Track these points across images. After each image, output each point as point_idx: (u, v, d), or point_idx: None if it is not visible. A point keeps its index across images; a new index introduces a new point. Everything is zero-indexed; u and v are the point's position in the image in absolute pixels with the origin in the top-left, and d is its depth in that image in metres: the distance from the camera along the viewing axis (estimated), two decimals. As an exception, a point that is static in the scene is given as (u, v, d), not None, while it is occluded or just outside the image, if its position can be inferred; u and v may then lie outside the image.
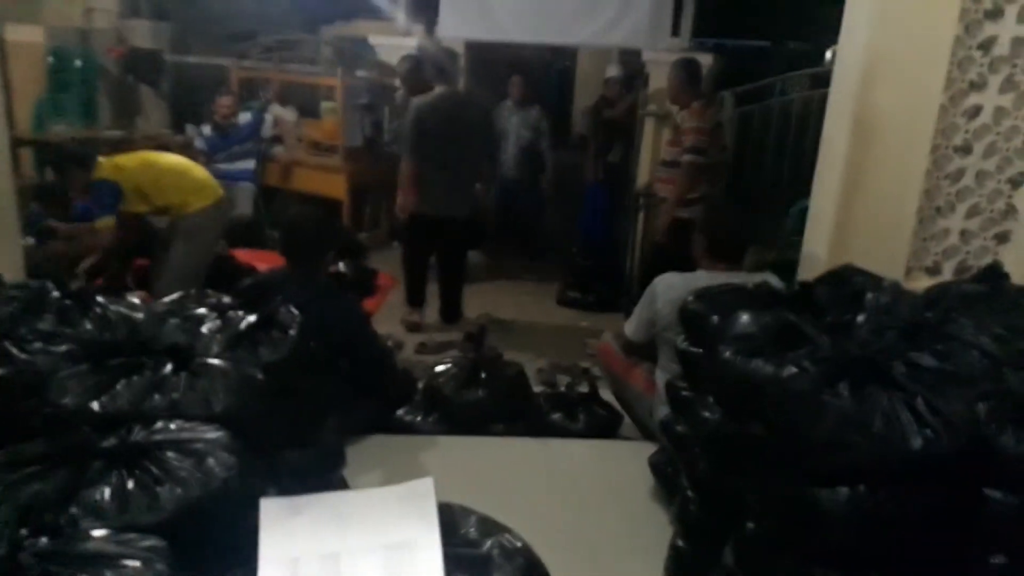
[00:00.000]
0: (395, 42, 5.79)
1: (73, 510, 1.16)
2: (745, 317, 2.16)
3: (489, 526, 1.20)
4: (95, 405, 1.46)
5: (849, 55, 2.53)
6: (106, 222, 3.67)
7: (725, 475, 1.97)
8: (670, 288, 2.73)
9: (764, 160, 5.02)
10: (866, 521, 1.58)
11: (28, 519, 1.09)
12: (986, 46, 2.45)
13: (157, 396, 1.49)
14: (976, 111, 2.51)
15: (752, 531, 1.73)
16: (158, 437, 1.33)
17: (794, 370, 1.68)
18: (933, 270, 2.65)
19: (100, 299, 1.93)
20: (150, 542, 1.08)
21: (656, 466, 2.56)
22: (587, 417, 3.03)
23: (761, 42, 8.02)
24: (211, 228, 3.98)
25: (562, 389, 3.22)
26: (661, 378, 2.76)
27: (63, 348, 1.70)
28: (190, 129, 6.12)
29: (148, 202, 3.81)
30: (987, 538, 1.66)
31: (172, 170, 3.93)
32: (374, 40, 5.95)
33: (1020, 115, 2.49)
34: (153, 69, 6.51)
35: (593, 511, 2.48)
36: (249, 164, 5.65)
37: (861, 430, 1.56)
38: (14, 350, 1.63)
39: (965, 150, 2.54)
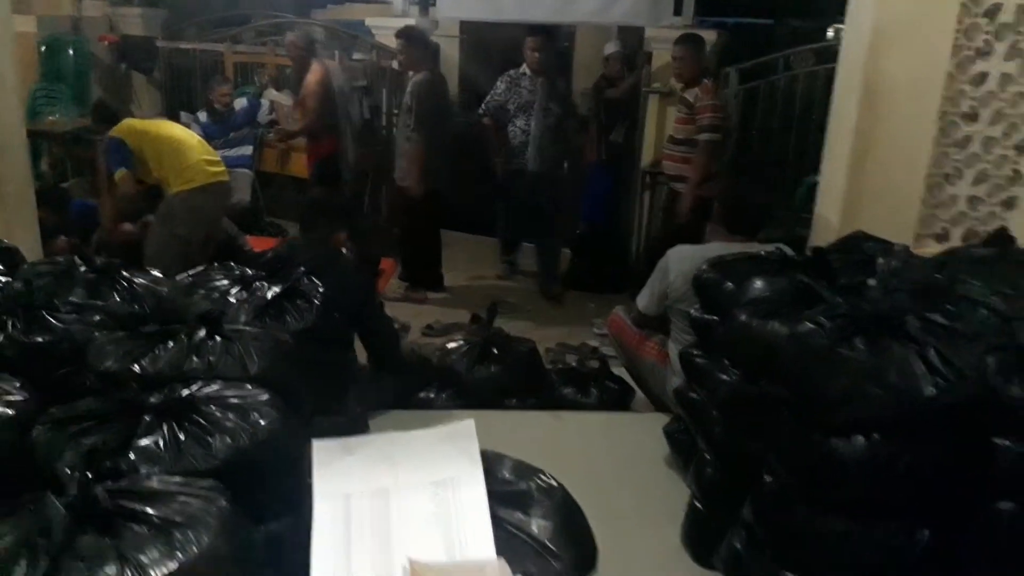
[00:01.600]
0: (392, 23, 5.85)
1: (131, 457, 1.25)
2: (760, 282, 2.27)
3: (523, 468, 1.30)
4: (136, 368, 1.55)
5: (857, 24, 2.62)
6: (121, 174, 3.85)
7: (742, 436, 2.07)
8: (682, 260, 2.82)
9: (770, 136, 5.11)
10: (881, 469, 1.68)
11: (91, 465, 1.18)
12: (991, 13, 2.54)
13: (195, 359, 1.58)
14: (982, 78, 2.61)
15: (770, 485, 1.82)
16: (201, 395, 1.42)
17: (810, 326, 1.78)
18: (942, 236, 2.75)
19: (125, 273, 2.02)
20: (208, 483, 1.18)
21: (671, 434, 2.66)
22: (599, 391, 3.13)
23: (764, 20, 8.10)
24: (186, 214, 3.90)
25: (573, 364, 3.32)
26: (674, 349, 2.86)
27: (96, 318, 1.79)
28: (184, 116, 6.19)
29: (147, 170, 3.93)
30: (996, 485, 1.76)
31: (170, 143, 3.98)
32: (371, 22, 6.02)
33: (1026, 81, 2.59)
34: (146, 56, 6.58)
35: (608, 479, 2.57)
36: (246, 150, 5.73)
37: (876, 381, 1.66)
38: (51, 320, 1.72)
39: (972, 117, 2.63)
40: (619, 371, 3.31)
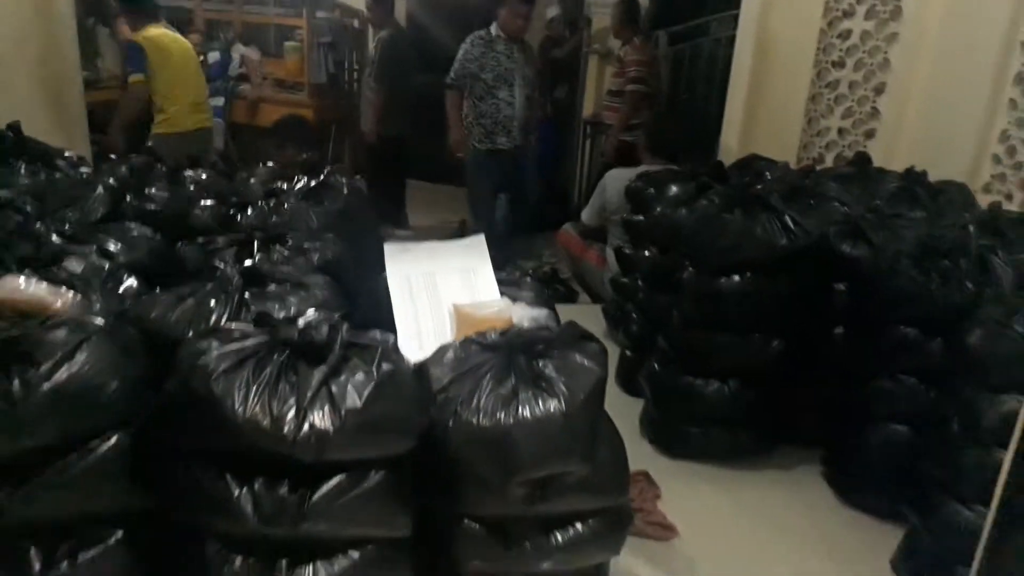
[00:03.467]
0: (354, -16, 6.44)
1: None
2: (674, 187, 3.04)
3: (513, 270, 2.03)
4: (237, 220, 2.23)
5: (752, -10, 3.40)
6: (136, 78, 4.06)
7: (658, 294, 2.85)
8: (617, 180, 3.58)
9: (694, 95, 5.88)
10: (751, 298, 2.47)
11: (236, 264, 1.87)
12: (854, -18, 3.36)
13: (275, 217, 2.26)
14: (848, 34, 3.42)
15: (677, 318, 2.60)
16: (287, 233, 2.10)
17: (704, 202, 2.56)
18: (818, 160, 3.57)
19: (190, 171, 2.67)
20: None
21: (607, 312, 3.45)
22: (550, 291, 3.88)
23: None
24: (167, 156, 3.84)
25: (529, 272, 4.06)
26: (610, 253, 3.63)
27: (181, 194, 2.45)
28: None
29: (151, 87, 4.11)
30: (832, 315, 2.57)
31: (179, 75, 4.17)
32: (334, -18, 6.58)
33: (881, 37, 3.41)
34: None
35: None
36: (218, 101, 6.24)
37: (748, 236, 2.44)
38: (157, 190, 2.37)
39: (840, 65, 3.45)
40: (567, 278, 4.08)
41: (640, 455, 2.63)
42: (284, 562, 1.46)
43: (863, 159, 3.29)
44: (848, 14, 3.39)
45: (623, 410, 2.84)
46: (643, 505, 2.41)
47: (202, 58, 6.25)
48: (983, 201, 2.93)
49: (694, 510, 2.45)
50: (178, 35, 4.43)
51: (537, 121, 4.88)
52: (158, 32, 4.23)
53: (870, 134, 3.54)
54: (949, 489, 2.01)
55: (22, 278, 1.65)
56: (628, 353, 3.05)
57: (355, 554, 1.49)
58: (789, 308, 2.51)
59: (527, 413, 1.48)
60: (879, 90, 3.48)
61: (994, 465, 1.87)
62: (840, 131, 3.54)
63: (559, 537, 1.62)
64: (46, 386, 1.37)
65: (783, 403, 2.60)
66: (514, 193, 4.76)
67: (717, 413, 2.57)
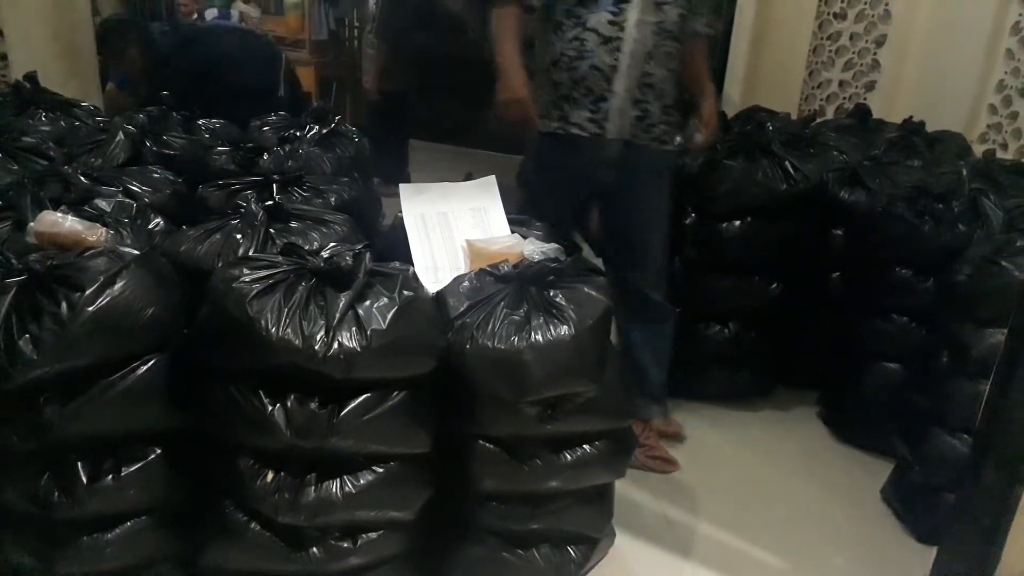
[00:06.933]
0: (354, -60, 6.45)
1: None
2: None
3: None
4: (253, 164, 2.33)
5: (755, -58, 3.46)
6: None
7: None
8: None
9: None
10: (751, 242, 2.58)
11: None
12: (856, -68, 3.42)
13: (290, 162, 2.36)
14: (849, -16, 3.49)
15: (686, 256, 2.71)
16: (305, 176, 2.21)
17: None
18: (819, 112, 3.66)
19: (201, 121, 2.76)
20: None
21: (612, 262, 3.56)
22: (554, 244, 3.99)
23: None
24: None
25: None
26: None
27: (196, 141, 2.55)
28: (159, 25, 6.69)
29: None
30: (830, 260, 2.69)
31: None
32: (333, -62, 6.59)
33: (882, -12, 3.48)
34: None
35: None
36: (218, 58, 6.30)
37: (749, 182, 2.55)
38: (173, 137, 2.46)
39: (841, 16, 3.52)
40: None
41: (642, 396, 2.75)
42: (313, 476, 1.59)
43: (863, 111, 3.38)
44: (850, -34, 3.45)
45: (626, 354, 2.96)
46: (646, 441, 2.54)
47: (198, 15, 6.31)
48: (979, 150, 3.02)
49: (694, 447, 2.59)
50: None
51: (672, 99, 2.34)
52: None
53: (870, 86, 3.62)
54: (937, 419, 2.13)
55: (59, 214, 1.77)
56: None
57: (379, 469, 1.62)
58: (788, 252, 2.63)
59: (539, 337, 1.60)
60: (879, 42, 3.55)
61: (980, 395, 2.01)
62: (841, 83, 3.62)
63: (567, 456, 1.76)
64: (90, 309, 1.48)
65: (781, 345, 2.73)
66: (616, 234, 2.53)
67: (717, 355, 2.69)
